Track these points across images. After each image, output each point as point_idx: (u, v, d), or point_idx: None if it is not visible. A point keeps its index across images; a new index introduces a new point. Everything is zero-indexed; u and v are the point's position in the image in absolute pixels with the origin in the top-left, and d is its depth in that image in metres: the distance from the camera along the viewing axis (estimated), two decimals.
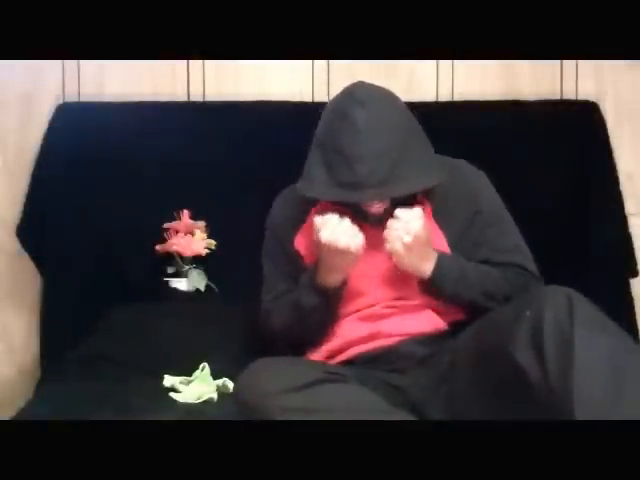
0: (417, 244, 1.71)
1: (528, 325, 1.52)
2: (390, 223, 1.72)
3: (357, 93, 1.74)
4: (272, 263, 1.91)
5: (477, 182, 1.88)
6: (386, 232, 1.72)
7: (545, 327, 1.50)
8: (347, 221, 1.71)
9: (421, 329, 1.78)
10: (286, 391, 1.56)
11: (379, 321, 1.79)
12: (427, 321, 1.79)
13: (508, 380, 1.53)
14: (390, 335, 1.78)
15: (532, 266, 1.86)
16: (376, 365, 1.77)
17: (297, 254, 1.86)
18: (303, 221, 1.87)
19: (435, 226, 1.81)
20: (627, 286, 2.33)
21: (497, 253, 1.83)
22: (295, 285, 1.84)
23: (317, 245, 1.73)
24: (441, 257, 1.75)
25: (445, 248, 1.80)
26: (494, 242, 1.83)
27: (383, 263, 1.78)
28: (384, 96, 1.78)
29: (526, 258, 1.86)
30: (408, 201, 1.78)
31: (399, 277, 1.79)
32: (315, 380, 1.60)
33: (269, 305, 1.89)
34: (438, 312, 1.80)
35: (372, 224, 1.78)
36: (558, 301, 1.52)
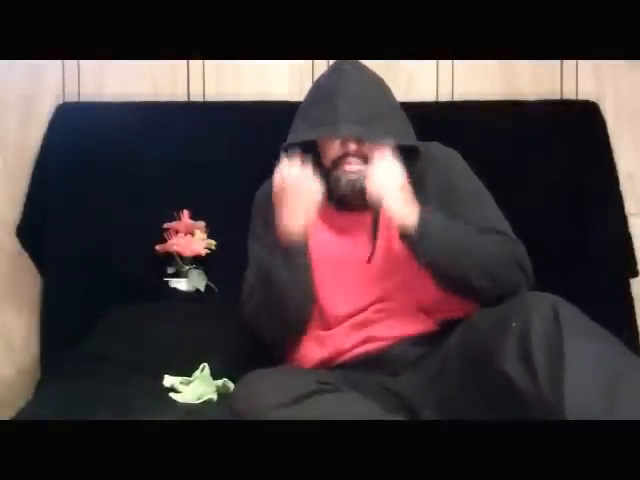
0: (401, 190, 1.70)
1: (514, 336, 1.52)
2: (371, 172, 1.71)
3: (346, 61, 1.87)
4: (258, 244, 1.89)
5: (450, 161, 1.88)
6: (368, 182, 1.71)
7: (532, 337, 1.49)
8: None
9: (411, 330, 1.78)
10: (281, 405, 1.56)
11: (370, 327, 1.79)
12: (417, 322, 1.79)
13: (498, 391, 1.53)
14: (381, 339, 1.78)
15: (510, 232, 1.83)
16: (368, 368, 1.76)
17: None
18: None
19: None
20: (627, 286, 2.33)
21: (476, 222, 1.79)
22: None
23: (278, 196, 1.75)
24: (424, 209, 1.72)
25: None
26: (472, 214, 1.80)
27: (365, 251, 1.79)
28: (371, 70, 1.88)
29: (504, 225, 1.83)
30: None
31: (383, 272, 1.79)
32: (309, 392, 1.59)
33: (251, 280, 1.85)
34: (427, 312, 1.80)
35: (352, 209, 1.80)
36: (543, 310, 1.52)
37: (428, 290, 1.78)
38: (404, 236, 1.72)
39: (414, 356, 1.76)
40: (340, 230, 1.84)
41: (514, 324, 1.53)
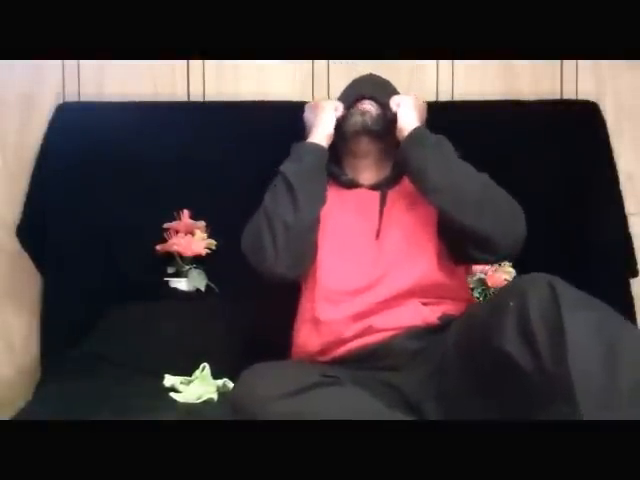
0: (417, 108, 1.92)
1: (513, 315, 1.53)
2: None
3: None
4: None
5: None
6: (392, 99, 1.92)
7: (531, 314, 1.51)
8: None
9: (412, 322, 1.79)
10: (283, 396, 1.56)
11: (371, 317, 1.79)
12: (417, 315, 1.80)
13: (500, 372, 1.54)
14: (382, 330, 1.79)
15: None
16: (370, 362, 1.77)
17: None
18: None
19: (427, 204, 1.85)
20: (627, 286, 2.33)
21: None
22: None
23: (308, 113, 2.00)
24: None
25: (434, 226, 1.85)
26: None
27: (373, 228, 1.85)
28: None
29: None
30: (395, 180, 1.92)
31: (389, 249, 1.83)
32: (311, 384, 1.59)
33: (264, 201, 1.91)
34: (427, 305, 1.81)
35: (360, 186, 1.92)
36: (540, 288, 1.53)
37: (432, 270, 1.82)
38: (403, 141, 1.86)
39: (414, 349, 1.77)
40: (348, 208, 1.90)
41: (511, 304, 1.54)
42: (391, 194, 1.91)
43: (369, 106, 1.92)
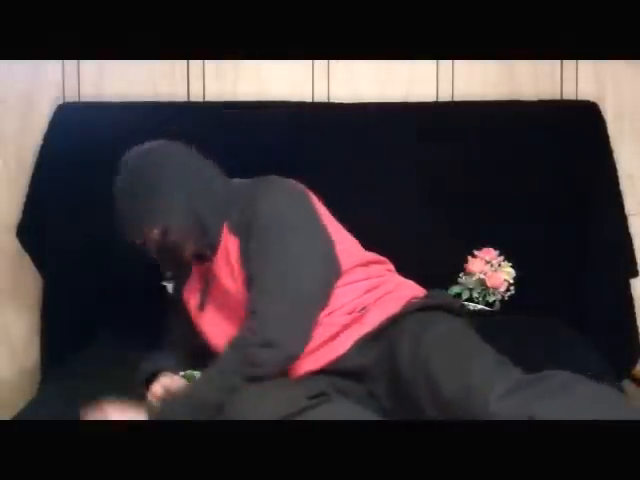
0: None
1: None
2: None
3: (127, 157, 1.86)
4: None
5: (257, 205, 1.78)
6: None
7: None
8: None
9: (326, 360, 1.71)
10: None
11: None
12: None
13: None
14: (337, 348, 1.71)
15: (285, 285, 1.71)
16: (340, 374, 1.70)
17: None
18: None
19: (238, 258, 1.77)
20: (627, 286, 2.33)
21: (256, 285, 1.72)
22: None
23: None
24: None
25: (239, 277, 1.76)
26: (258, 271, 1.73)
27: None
28: (146, 153, 1.86)
29: (281, 286, 1.71)
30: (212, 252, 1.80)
31: (214, 318, 1.84)
32: (300, 409, 1.56)
33: None
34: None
35: (199, 262, 1.84)
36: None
37: None
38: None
39: (368, 361, 1.70)
40: (193, 280, 1.89)
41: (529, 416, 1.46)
42: (216, 261, 1.80)
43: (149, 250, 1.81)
